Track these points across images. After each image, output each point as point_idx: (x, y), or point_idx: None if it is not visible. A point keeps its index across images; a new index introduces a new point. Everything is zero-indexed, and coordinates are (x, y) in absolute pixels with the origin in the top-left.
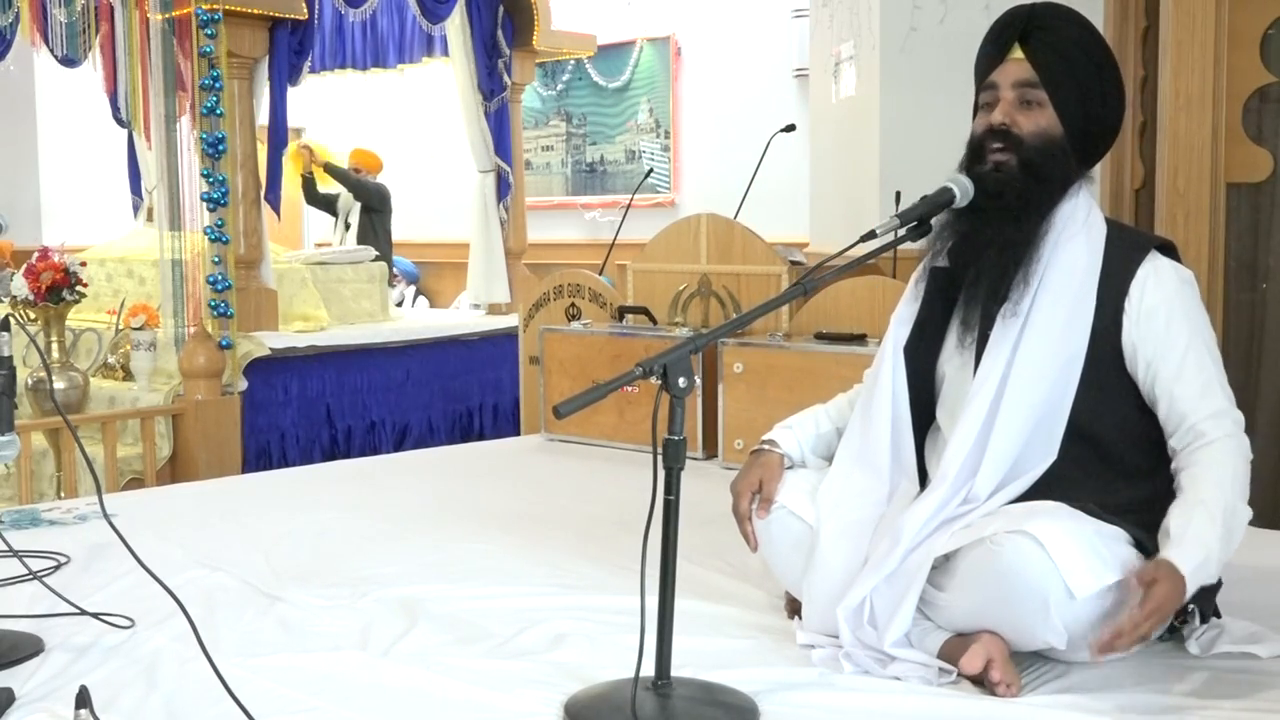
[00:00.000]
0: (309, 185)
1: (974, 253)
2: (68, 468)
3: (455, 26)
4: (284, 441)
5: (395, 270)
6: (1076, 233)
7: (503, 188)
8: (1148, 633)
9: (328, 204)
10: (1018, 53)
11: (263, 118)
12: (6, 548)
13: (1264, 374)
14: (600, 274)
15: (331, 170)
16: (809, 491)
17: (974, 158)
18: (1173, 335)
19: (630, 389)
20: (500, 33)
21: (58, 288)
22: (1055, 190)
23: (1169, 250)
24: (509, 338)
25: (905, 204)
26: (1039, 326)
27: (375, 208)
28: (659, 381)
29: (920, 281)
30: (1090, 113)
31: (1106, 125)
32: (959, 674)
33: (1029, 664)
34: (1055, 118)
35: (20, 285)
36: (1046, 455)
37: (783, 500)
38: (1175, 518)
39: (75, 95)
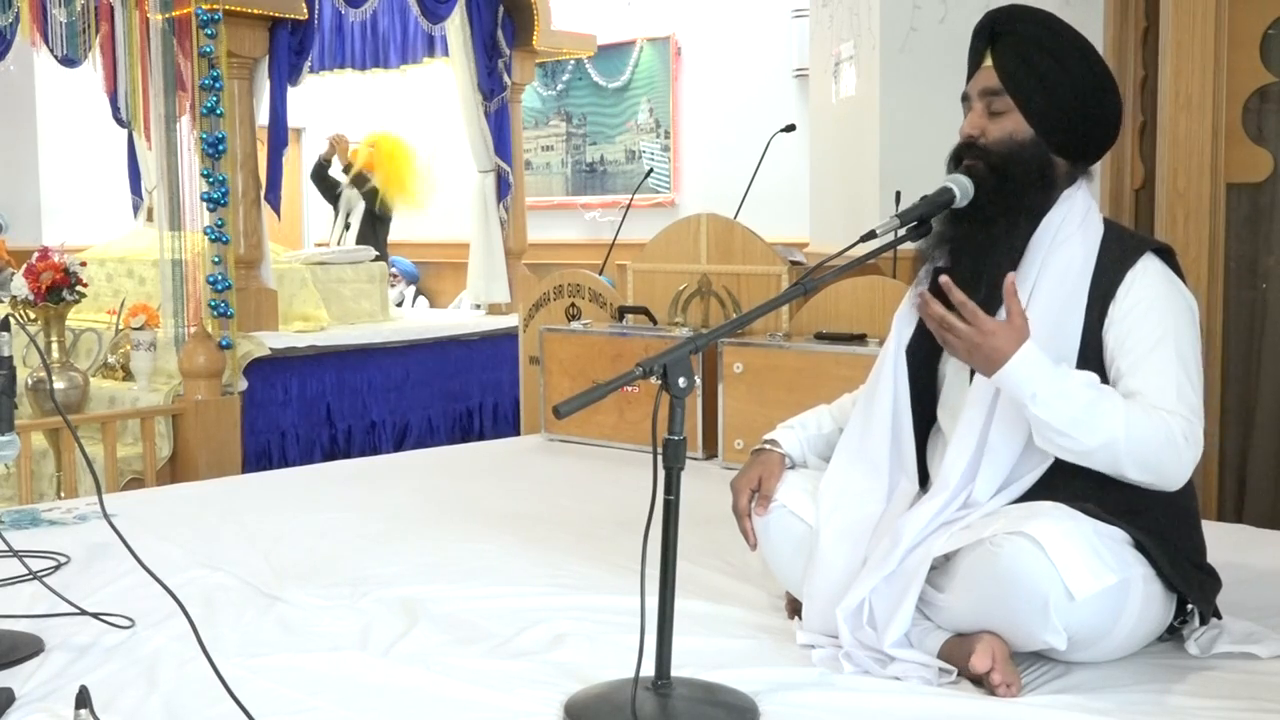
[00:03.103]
0: (321, 168)
1: (959, 257)
2: (68, 468)
3: (455, 26)
4: (284, 441)
5: (394, 270)
6: (1072, 234)
7: (503, 188)
8: (945, 327)
9: (332, 190)
10: (988, 60)
11: (263, 118)
12: (6, 548)
13: (1264, 374)
14: (600, 274)
15: (349, 172)
16: (809, 491)
17: (954, 169)
18: (1143, 330)
19: (630, 389)
20: (500, 33)
21: (58, 288)
22: (1032, 191)
23: (1167, 255)
24: (509, 338)
25: (905, 204)
26: (1032, 328)
27: (382, 216)
28: (659, 381)
29: (923, 281)
30: (1063, 109)
31: (1088, 120)
32: (959, 674)
33: (1029, 664)
34: (1022, 120)
35: (20, 285)
36: (1045, 457)
37: (783, 500)
38: (1086, 373)
39: (75, 95)
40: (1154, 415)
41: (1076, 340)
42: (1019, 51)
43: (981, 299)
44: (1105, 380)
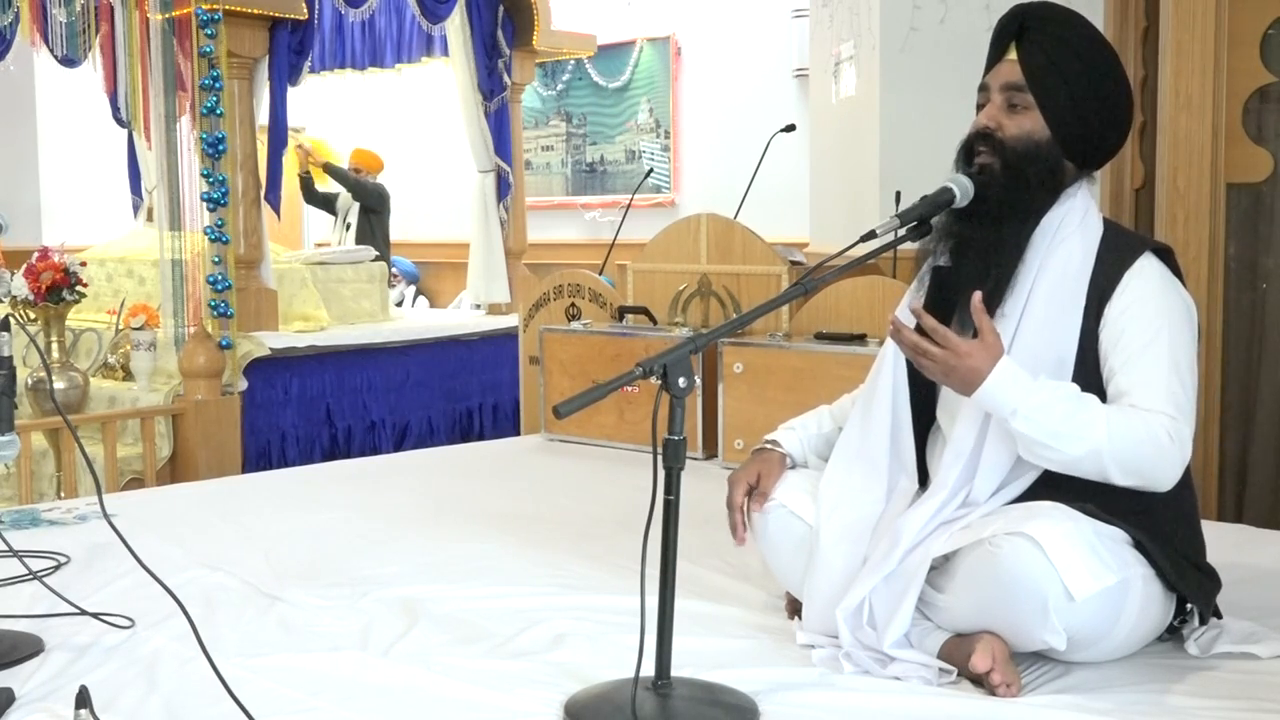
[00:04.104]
0: (306, 184)
1: (961, 255)
2: (68, 468)
3: (455, 26)
4: (284, 441)
5: (395, 270)
6: (1071, 234)
7: (503, 188)
8: (920, 352)
9: (326, 203)
10: (1012, 54)
11: (263, 118)
12: (6, 548)
13: (1264, 374)
14: (600, 274)
15: (330, 170)
16: (809, 491)
17: (964, 160)
18: (1136, 329)
19: (630, 389)
20: (500, 33)
21: (58, 288)
22: (1041, 193)
23: (1166, 256)
24: (509, 338)
25: (905, 204)
26: (1031, 328)
27: (373, 208)
28: (659, 381)
29: (922, 280)
30: (1083, 115)
31: (1105, 128)
32: (959, 674)
33: (1029, 664)
34: (1041, 121)
35: (20, 285)
36: None
37: (783, 499)
38: (1066, 384)
39: (75, 95)
40: (1137, 419)
41: (1074, 339)
42: (1046, 51)
43: (986, 298)
44: (1102, 380)
